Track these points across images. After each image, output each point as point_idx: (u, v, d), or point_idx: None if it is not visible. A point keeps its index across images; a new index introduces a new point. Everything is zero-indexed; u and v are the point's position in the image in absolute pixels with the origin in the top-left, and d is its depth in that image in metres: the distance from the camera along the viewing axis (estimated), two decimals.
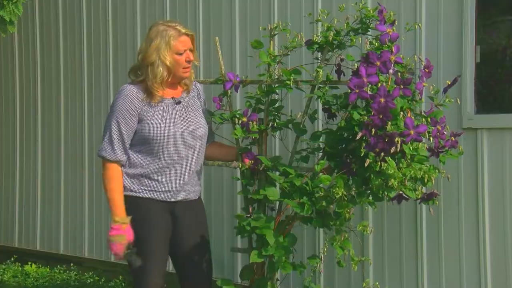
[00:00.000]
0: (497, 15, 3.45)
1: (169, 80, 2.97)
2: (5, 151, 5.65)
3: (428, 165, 2.78)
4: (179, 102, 3.01)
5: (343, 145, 2.94)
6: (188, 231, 3.06)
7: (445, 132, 2.89)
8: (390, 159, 2.65)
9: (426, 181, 2.73)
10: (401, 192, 2.70)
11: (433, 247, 3.46)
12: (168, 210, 3.01)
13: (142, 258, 2.91)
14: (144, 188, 2.97)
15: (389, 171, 2.64)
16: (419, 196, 2.81)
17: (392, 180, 2.65)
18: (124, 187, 2.98)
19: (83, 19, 5.06)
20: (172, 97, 3.01)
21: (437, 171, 2.83)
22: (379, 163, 2.66)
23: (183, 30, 2.95)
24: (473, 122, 3.33)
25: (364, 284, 3.22)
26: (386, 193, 2.74)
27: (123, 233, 2.88)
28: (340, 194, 2.68)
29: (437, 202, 2.95)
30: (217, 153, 3.22)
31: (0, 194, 5.71)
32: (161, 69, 2.91)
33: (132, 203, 2.96)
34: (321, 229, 3.73)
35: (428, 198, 2.83)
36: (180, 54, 2.93)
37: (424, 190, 2.87)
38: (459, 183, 3.37)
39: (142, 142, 2.96)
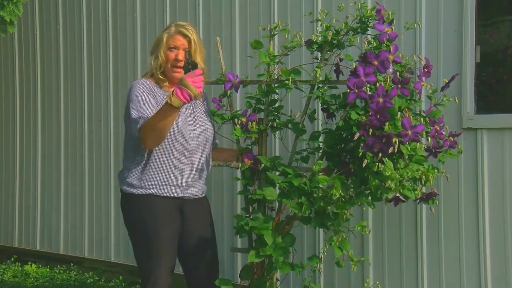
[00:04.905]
0: (497, 15, 3.44)
1: (161, 75, 3.02)
2: (5, 151, 5.65)
3: (427, 165, 2.77)
4: None
5: (342, 145, 2.94)
6: (197, 230, 3.07)
7: (443, 132, 2.88)
8: (387, 160, 2.64)
9: (424, 181, 2.71)
10: (398, 194, 2.69)
11: (433, 247, 3.45)
12: (178, 207, 3.01)
13: (150, 256, 2.92)
14: (154, 184, 2.96)
15: (386, 173, 2.62)
16: (419, 196, 2.80)
17: (389, 181, 2.64)
18: (133, 185, 2.98)
19: (83, 19, 5.06)
20: None
21: (436, 171, 2.82)
22: (377, 163, 2.65)
23: (180, 29, 3.03)
24: (473, 122, 3.33)
25: (366, 284, 3.21)
26: (383, 194, 2.73)
27: (181, 86, 2.73)
28: (338, 195, 2.67)
29: (437, 201, 2.94)
30: (218, 157, 3.23)
31: (0, 194, 5.71)
32: (158, 61, 3.03)
33: (141, 201, 2.96)
34: (321, 229, 3.73)
35: (428, 198, 2.81)
36: (171, 49, 3.01)
37: (424, 190, 2.86)
38: (459, 183, 3.37)
39: None
